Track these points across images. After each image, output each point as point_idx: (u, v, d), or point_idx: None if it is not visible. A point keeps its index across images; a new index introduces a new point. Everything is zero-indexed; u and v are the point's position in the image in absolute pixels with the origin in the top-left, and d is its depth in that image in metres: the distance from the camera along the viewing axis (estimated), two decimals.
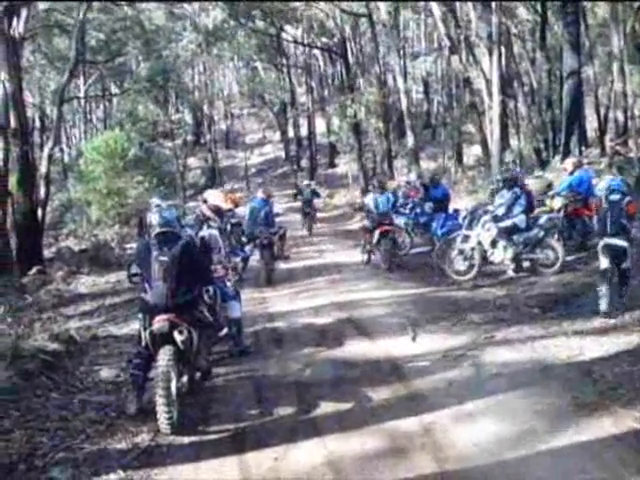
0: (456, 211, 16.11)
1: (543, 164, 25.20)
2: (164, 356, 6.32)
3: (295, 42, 50.15)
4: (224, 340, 8.83)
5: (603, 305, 9.36)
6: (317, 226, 25.77)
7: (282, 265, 15.75)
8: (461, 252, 12.96)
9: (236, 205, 15.20)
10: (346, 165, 43.41)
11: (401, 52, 38.20)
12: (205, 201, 9.86)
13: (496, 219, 12.63)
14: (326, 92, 59.39)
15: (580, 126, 24.54)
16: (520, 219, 12.58)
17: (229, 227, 12.27)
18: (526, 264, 12.81)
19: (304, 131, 54.17)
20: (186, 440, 6.17)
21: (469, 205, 15.70)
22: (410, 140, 31.50)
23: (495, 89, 23.36)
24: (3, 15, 18.76)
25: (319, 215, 28.49)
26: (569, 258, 13.06)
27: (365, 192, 26.59)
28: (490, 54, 24.05)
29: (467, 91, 29.20)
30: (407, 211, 17.28)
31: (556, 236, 13.30)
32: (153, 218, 7.02)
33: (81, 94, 42.17)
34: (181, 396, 6.63)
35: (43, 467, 5.66)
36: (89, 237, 25.09)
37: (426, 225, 16.76)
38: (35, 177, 20.99)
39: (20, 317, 11.47)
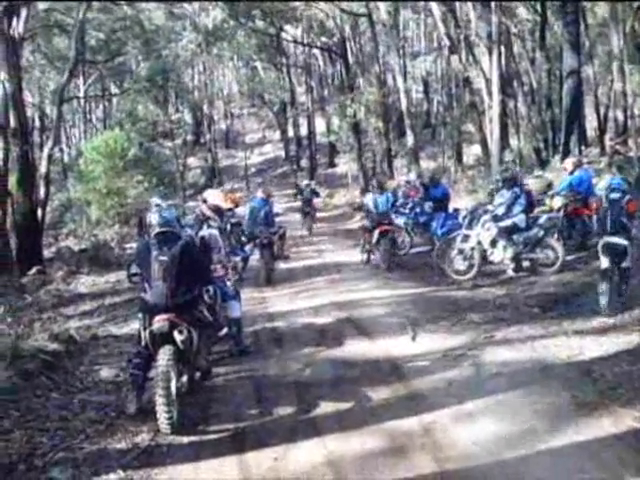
0: (456, 210, 16.11)
1: (543, 163, 25.19)
2: (164, 356, 6.32)
3: (295, 42, 50.16)
4: (224, 340, 8.84)
5: (603, 302, 9.40)
6: (317, 226, 25.76)
7: (282, 265, 15.75)
8: (461, 252, 12.96)
9: (236, 205, 15.22)
10: (346, 165, 43.40)
11: (401, 52, 38.17)
12: (205, 201, 9.86)
13: (496, 219, 12.63)
14: (326, 92, 59.37)
15: (580, 125, 24.53)
16: (520, 219, 12.58)
17: (229, 227, 12.28)
18: (526, 264, 12.81)
19: (304, 131, 54.16)
20: (186, 440, 6.17)
21: (469, 205, 15.71)
22: (410, 140, 31.50)
23: (495, 89, 23.38)
24: (3, 15, 18.80)
25: (319, 215, 28.50)
26: (569, 258, 13.06)
27: (365, 192, 26.58)
28: (490, 54, 24.07)
29: (467, 91, 29.16)
30: (407, 211, 17.28)
31: (556, 236, 13.30)
32: (153, 218, 7.03)
33: (81, 94, 42.13)
34: (181, 396, 6.63)
35: (43, 467, 5.66)
36: (89, 237, 25.08)
37: (426, 225, 16.77)
38: (35, 177, 21.01)
39: (20, 317, 11.46)
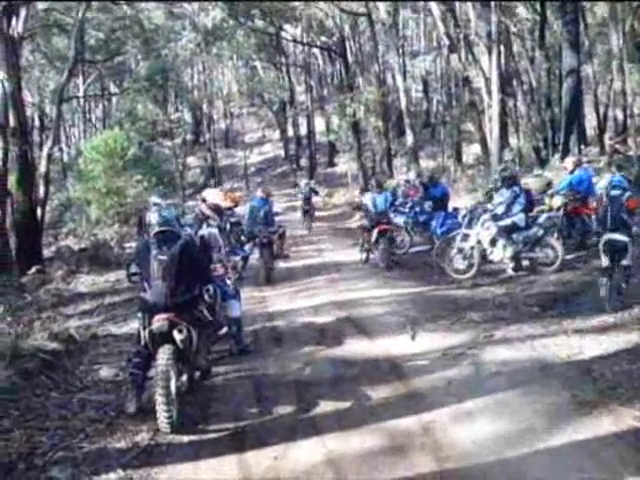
0: (455, 210, 16.10)
1: (542, 163, 25.21)
2: (163, 355, 6.32)
3: (294, 41, 50.14)
4: (224, 339, 8.84)
5: (603, 294, 9.46)
6: (316, 225, 25.75)
7: (281, 264, 15.74)
8: (460, 251, 12.96)
9: (236, 204, 15.22)
10: (345, 164, 43.38)
11: (400, 51, 38.15)
12: (204, 200, 9.88)
13: (495, 218, 12.63)
14: (325, 91, 59.37)
15: (579, 125, 24.55)
16: (519, 218, 12.58)
17: (228, 226, 12.29)
18: (525, 263, 12.81)
19: (303, 130, 54.17)
20: (186, 439, 6.17)
21: (468, 204, 15.70)
22: (409, 139, 31.53)
23: (494, 88, 23.40)
24: (2, 15, 18.79)
25: (319, 214, 28.53)
26: (568, 257, 13.06)
27: (364, 191, 26.60)
28: (489, 53, 24.09)
29: (466, 90, 29.18)
30: (406, 210, 17.28)
31: (555, 235, 13.31)
32: (152, 217, 7.04)
33: (80, 93, 42.11)
34: (181, 395, 6.63)
35: (43, 466, 5.66)
36: (88, 236, 25.09)
37: (425, 224, 16.77)
38: (34, 176, 21.02)
39: (19, 316, 11.47)
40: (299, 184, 30.00)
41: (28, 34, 26.00)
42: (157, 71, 41.71)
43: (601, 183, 10.35)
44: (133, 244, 18.07)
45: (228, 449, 5.93)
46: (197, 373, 7.48)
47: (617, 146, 22.55)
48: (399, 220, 16.65)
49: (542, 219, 12.85)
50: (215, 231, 8.96)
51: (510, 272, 12.72)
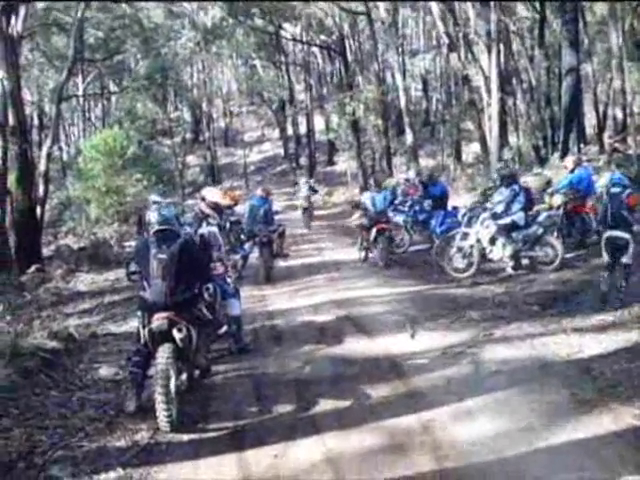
0: (455, 208, 16.10)
1: (542, 161, 25.22)
2: (163, 354, 6.32)
3: (294, 40, 50.05)
4: (223, 338, 8.83)
5: (603, 288, 9.61)
6: (316, 223, 25.77)
7: (281, 263, 15.73)
8: (460, 249, 12.96)
9: (235, 203, 15.21)
10: (345, 163, 43.34)
11: (400, 50, 38.02)
12: (203, 199, 9.86)
13: (495, 216, 12.63)
14: (325, 90, 59.29)
15: (579, 123, 24.57)
16: (519, 216, 12.58)
17: (228, 225, 12.29)
18: (525, 261, 12.82)
19: (303, 129, 54.06)
20: (185, 438, 6.18)
21: (468, 202, 15.71)
22: (409, 137, 31.52)
23: (494, 86, 23.43)
24: (1, 13, 18.76)
25: (318, 213, 28.56)
26: (568, 255, 13.07)
27: (364, 190, 26.61)
28: (489, 51, 24.11)
29: (466, 88, 29.19)
30: (406, 209, 17.25)
31: (555, 233, 13.32)
32: (152, 216, 7.03)
33: (80, 92, 42.01)
34: (180, 394, 6.63)
35: (42, 465, 5.66)
36: (88, 235, 25.11)
37: (425, 223, 16.76)
38: (34, 175, 21.04)
39: (19, 315, 11.48)
40: (298, 183, 30.05)
41: (27, 33, 25.95)
42: (156, 70, 41.60)
43: (601, 181, 10.39)
44: (133, 243, 18.10)
45: (228, 448, 5.93)
46: (197, 372, 7.48)
47: (616, 145, 22.53)
48: (399, 219, 16.66)
49: (542, 218, 12.84)
50: (215, 230, 8.96)
51: (510, 271, 12.72)
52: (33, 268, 16.80)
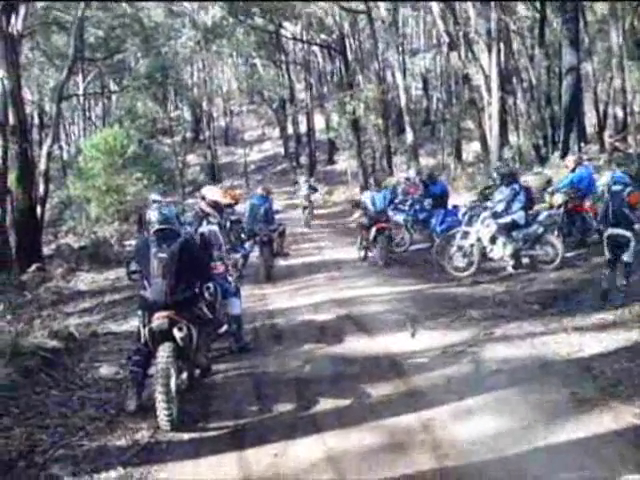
0: (455, 207, 16.10)
1: (542, 160, 25.22)
2: (163, 353, 6.33)
3: (294, 39, 50.04)
4: (224, 337, 8.83)
5: (604, 285, 9.68)
6: (316, 222, 25.79)
7: (281, 262, 15.75)
8: (460, 248, 12.95)
9: (236, 201, 15.21)
10: (345, 162, 43.35)
11: (400, 49, 38.09)
12: (203, 197, 9.85)
13: (495, 215, 12.62)
14: (325, 89, 59.32)
15: (579, 122, 24.57)
16: (519, 215, 12.57)
17: (228, 224, 12.29)
18: (525, 260, 12.82)
19: (303, 128, 54.07)
20: (186, 437, 6.18)
21: (468, 201, 15.72)
22: (409, 136, 31.53)
23: (494, 85, 23.45)
24: (1, 12, 18.76)
25: (319, 212, 28.62)
26: (568, 254, 13.07)
27: (364, 189, 26.64)
28: (489, 51, 24.13)
29: (466, 87, 29.22)
30: (406, 208, 17.24)
31: (556, 232, 13.32)
32: (152, 215, 7.02)
33: (80, 91, 42.02)
34: (181, 393, 6.63)
35: (43, 464, 5.67)
36: (88, 234, 25.12)
37: (425, 221, 16.75)
38: (34, 174, 21.04)
39: (19, 314, 11.47)
40: (298, 181, 30.13)
41: (28, 32, 25.94)
42: (157, 69, 41.61)
43: (602, 180, 10.41)
44: (133, 242, 18.11)
45: (228, 447, 5.93)
46: (197, 371, 7.48)
47: (617, 144, 22.54)
48: (399, 218, 16.67)
49: (542, 217, 12.85)
50: (215, 228, 8.96)
51: (510, 270, 12.72)
52: (33, 267, 16.80)
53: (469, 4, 28.18)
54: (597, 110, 28.47)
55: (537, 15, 28.92)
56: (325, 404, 6.77)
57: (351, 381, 7.40)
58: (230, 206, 13.83)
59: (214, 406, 6.98)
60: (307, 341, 9.25)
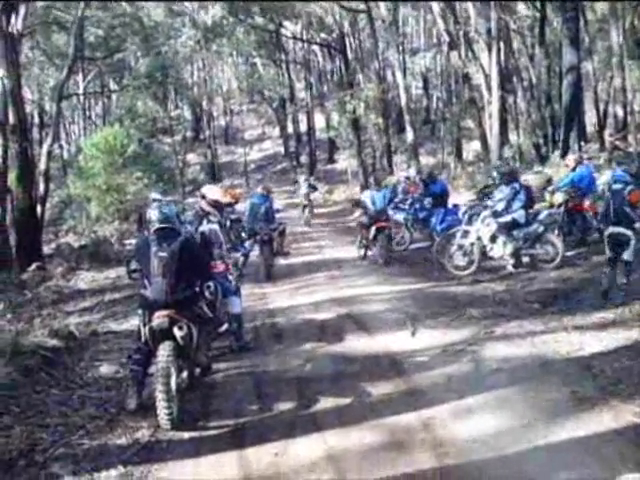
0: (455, 206, 16.12)
1: (542, 159, 25.23)
2: (164, 352, 6.33)
3: (294, 38, 50.02)
4: (224, 336, 8.84)
5: (604, 283, 9.73)
6: (316, 221, 25.81)
7: (282, 261, 15.76)
8: (460, 247, 12.96)
9: (236, 200, 15.21)
10: (345, 161, 43.34)
11: (400, 48, 38.14)
12: (203, 196, 9.85)
13: (495, 214, 12.62)
14: (325, 88, 59.35)
15: (579, 121, 24.57)
16: (519, 214, 12.57)
17: (229, 223, 12.29)
18: (526, 259, 12.82)
19: (303, 127, 54.09)
20: (186, 435, 6.18)
21: (467, 201, 15.74)
22: (409, 136, 31.55)
23: (494, 84, 23.46)
24: (1, 12, 18.75)
25: (319, 211, 28.65)
26: (569, 253, 13.08)
27: (365, 188, 26.66)
28: (489, 50, 24.15)
29: (466, 87, 29.26)
30: (406, 206, 17.24)
31: (556, 231, 13.33)
32: (152, 214, 7.02)
33: (80, 90, 42.02)
34: (181, 392, 6.63)
35: (43, 463, 5.67)
36: (88, 233, 25.12)
37: (425, 220, 16.75)
38: (34, 173, 21.04)
39: (20, 313, 11.48)
40: (298, 181, 30.17)
41: (28, 31, 25.94)
42: (157, 68, 41.60)
43: (602, 179, 10.44)
44: (133, 241, 18.09)
45: (228, 445, 5.93)
46: (197, 370, 7.48)
47: (617, 143, 22.56)
48: (399, 217, 16.68)
49: (542, 216, 12.85)
50: (216, 227, 8.96)
51: (510, 269, 12.71)
52: (34, 266, 16.79)
53: (469, 3, 28.19)
54: (597, 109, 28.49)
55: (537, 14, 28.91)
56: (325, 403, 6.77)
57: (351, 380, 7.40)
58: (230, 205, 13.84)
59: (214, 405, 6.98)
60: (307, 340, 9.25)
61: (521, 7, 31.75)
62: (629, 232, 9.56)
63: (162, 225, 6.84)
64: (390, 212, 15.80)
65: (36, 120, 43.20)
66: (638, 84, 23.94)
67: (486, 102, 26.22)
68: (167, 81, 44.86)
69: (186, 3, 45.03)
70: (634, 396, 6.31)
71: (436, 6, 28.83)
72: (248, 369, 8.14)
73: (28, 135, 22.25)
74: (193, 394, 7.12)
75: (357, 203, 18.00)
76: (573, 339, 8.26)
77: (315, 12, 41.87)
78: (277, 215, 15.74)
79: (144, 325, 6.63)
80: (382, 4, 32.77)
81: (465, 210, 14.37)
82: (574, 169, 14.35)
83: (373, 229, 14.99)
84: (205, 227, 8.87)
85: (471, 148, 35.57)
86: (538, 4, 28.43)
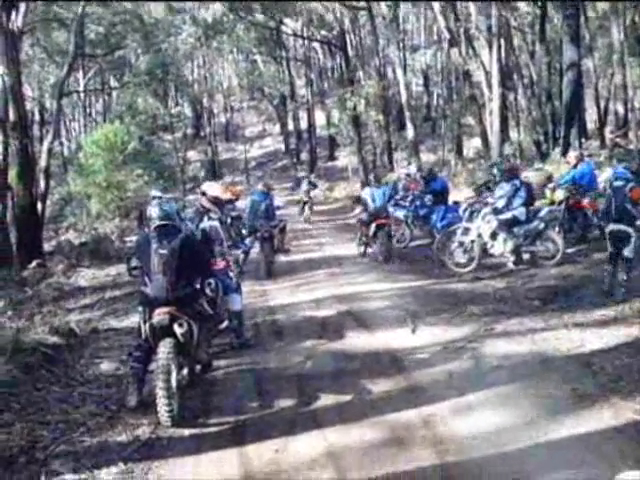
0: (456, 203, 16.12)
1: (543, 156, 25.22)
2: (164, 349, 6.33)
3: (294, 35, 49.95)
4: (225, 333, 8.85)
5: (606, 280, 9.83)
6: (317, 218, 25.81)
7: (282, 258, 15.75)
8: (461, 244, 12.96)
9: (237, 197, 15.21)
10: (346, 158, 43.36)
11: (401, 45, 38.04)
12: (204, 193, 9.85)
13: (496, 211, 12.62)
14: (326, 85, 59.29)
15: (580, 118, 24.56)
16: (520, 211, 12.56)
17: (229, 220, 12.28)
18: (526, 256, 12.82)
19: (304, 124, 54.07)
20: (186, 432, 6.19)
21: (466, 198, 15.75)
22: (410, 133, 31.53)
23: (495, 81, 23.42)
24: (2, 9, 18.73)
25: (319, 208, 28.64)
26: (569, 250, 13.08)
27: (365, 185, 26.66)
28: (490, 47, 24.11)
29: (467, 84, 29.22)
30: (407, 204, 17.23)
31: (556, 228, 13.32)
32: (153, 211, 7.01)
33: (80, 88, 42.04)
34: (181, 389, 6.64)
35: (44, 460, 5.67)
36: (89, 230, 25.11)
37: (426, 217, 16.74)
38: (35, 171, 21.01)
39: (20, 310, 11.49)
40: (298, 178, 30.19)
41: (28, 28, 25.87)
42: (157, 65, 41.59)
43: (603, 176, 10.42)
44: (134, 238, 18.08)
45: (229, 442, 5.94)
46: (198, 367, 7.49)
47: (618, 140, 22.59)
48: (399, 214, 16.67)
49: (543, 213, 12.84)
50: (216, 224, 8.96)
51: (511, 266, 12.71)
52: (34, 263, 16.79)
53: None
54: (598, 106, 28.46)
55: (538, 11, 28.88)
56: (326, 400, 6.77)
57: (352, 377, 7.40)
58: (231, 202, 13.84)
59: (215, 402, 6.98)
60: (308, 337, 9.25)
61: (522, 4, 31.70)
62: (630, 229, 9.58)
63: (162, 222, 6.83)
64: (390, 209, 15.80)
65: (37, 117, 43.19)
66: (639, 81, 23.95)
67: (487, 99, 26.18)
68: (167, 78, 44.86)
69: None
70: (634, 393, 6.31)
71: (436, 3, 28.79)
72: (248, 366, 8.14)
73: (28, 132, 22.23)
74: (193, 391, 7.12)
75: (357, 200, 17.99)
76: (573, 336, 8.27)
77: (316, 9, 41.81)
78: (277, 212, 15.76)
79: (144, 322, 6.63)
80: (382, 1, 32.72)
81: (465, 207, 14.37)
82: (575, 166, 14.36)
83: (373, 226, 14.98)
84: (206, 224, 8.86)
85: (472, 145, 35.54)
86: (539, 1, 28.41)
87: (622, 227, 9.61)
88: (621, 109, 24.93)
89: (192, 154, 53.85)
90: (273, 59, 55.10)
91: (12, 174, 19.20)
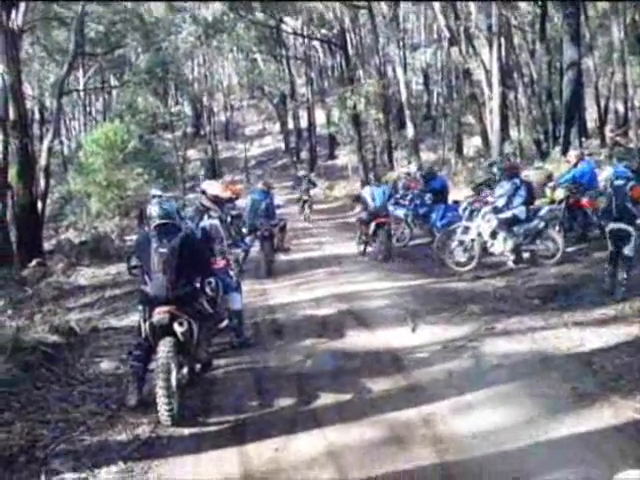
0: (456, 202, 16.13)
1: (543, 155, 25.21)
2: (164, 348, 6.34)
3: (295, 34, 49.90)
4: (225, 332, 8.85)
5: (606, 279, 9.85)
6: (316, 217, 25.81)
7: (282, 257, 15.74)
8: (461, 243, 12.96)
9: (237, 196, 15.22)
10: (346, 157, 43.31)
11: (401, 43, 37.94)
12: (204, 192, 9.86)
13: (496, 210, 12.62)
14: (326, 83, 59.28)
15: (580, 117, 24.54)
16: (520, 210, 12.56)
17: (229, 219, 12.29)
18: (526, 255, 12.82)
19: (304, 123, 54.02)
20: (186, 431, 6.19)
21: (465, 197, 15.75)
22: (410, 131, 31.50)
23: (495, 80, 23.39)
24: (2, 7, 18.72)
25: (320, 207, 28.65)
26: (569, 249, 13.08)
27: (365, 183, 26.66)
28: (490, 45, 24.08)
29: (467, 82, 29.17)
30: (407, 202, 17.24)
31: (557, 227, 13.33)
32: (153, 210, 7.01)
33: (80, 86, 42.01)
34: (181, 388, 6.65)
35: (44, 459, 5.68)
36: (89, 229, 25.07)
37: (426, 216, 16.73)
38: (35, 169, 20.98)
39: (20, 309, 11.50)
40: (298, 176, 30.19)
41: (28, 27, 25.82)
42: (157, 64, 41.54)
43: (603, 175, 10.42)
44: (134, 237, 18.05)
45: (229, 441, 5.94)
46: (198, 366, 7.49)
47: (618, 138, 22.58)
48: (399, 213, 16.68)
49: (543, 212, 12.85)
50: (216, 222, 8.96)
51: (511, 265, 12.72)
52: (34, 262, 16.79)
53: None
54: (598, 105, 28.45)
55: (538, 10, 28.87)
56: (326, 399, 6.77)
57: (352, 376, 7.40)
58: (231, 201, 13.85)
59: (215, 401, 6.98)
60: (308, 336, 9.25)
61: (522, 3, 31.68)
62: (630, 228, 9.59)
63: (162, 221, 6.83)
64: (390, 208, 15.82)
65: (36, 116, 43.16)
66: (639, 80, 23.93)
67: (487, 98, 26.16)
68: (167, 77, 44.81)
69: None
70: (634, 392, 6.32)
71: (437, 2, 28.77)
72: (248, 365, 8.15)
73: (28, 131, 22.21)
74: (193, 390, 7.13)
75: (357, 199, 18.01)
76: (573, 335, 8.27)
77: (316, 8, 41.78)
78: (278, 211, 15.76)
79: (144, 321, 6.63)
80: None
81: (465, 206, 14.38)
82: (575, 165, 14.36)
83: (373, 225, 15.00)
84: (206, 223, 8.86)
85: (472, 144, 35.48)
86: (539, 0, 28.40)
87: (622, 226, 9.62)
88: (621, 108, 24.92)
89: (192, 153, 53.79)
90: (273, 58, 55.06)
91: (12, 173, 19.20)
